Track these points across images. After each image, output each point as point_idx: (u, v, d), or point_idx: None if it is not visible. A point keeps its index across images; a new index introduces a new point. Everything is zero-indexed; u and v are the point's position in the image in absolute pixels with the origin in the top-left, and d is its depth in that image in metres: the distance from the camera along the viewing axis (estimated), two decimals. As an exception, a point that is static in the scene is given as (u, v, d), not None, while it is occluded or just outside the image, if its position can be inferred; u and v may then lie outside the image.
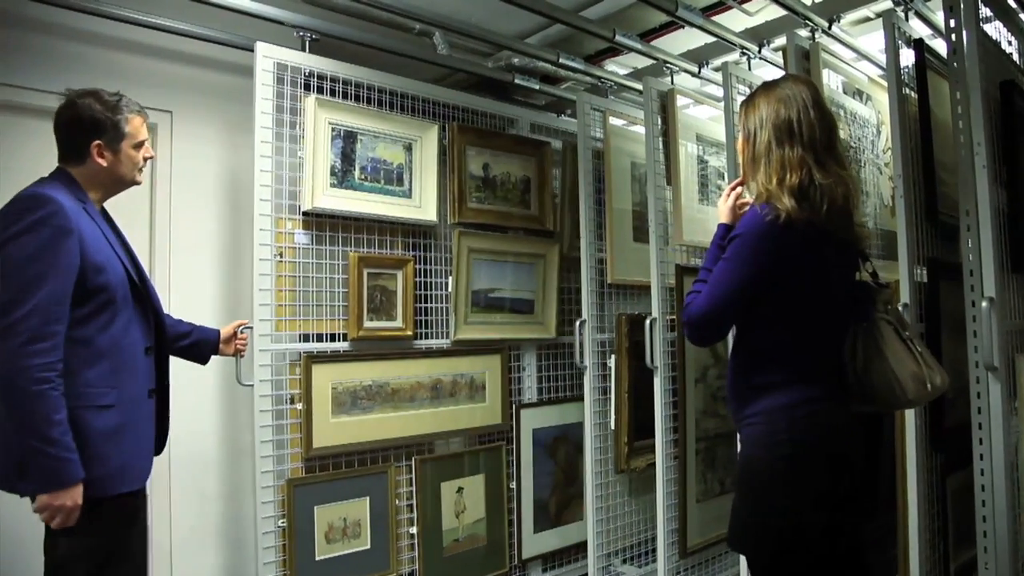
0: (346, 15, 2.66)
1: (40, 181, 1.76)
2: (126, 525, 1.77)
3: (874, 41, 2.70)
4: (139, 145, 1.86)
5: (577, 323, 2.96)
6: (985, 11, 2.05)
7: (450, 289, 2.88)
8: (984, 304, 1.85)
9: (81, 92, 1.81)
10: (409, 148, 2.80)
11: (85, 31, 2.55)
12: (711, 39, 2.85)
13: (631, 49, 2.88)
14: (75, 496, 1.60)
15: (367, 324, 2.64)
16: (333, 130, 2.60)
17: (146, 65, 2.68)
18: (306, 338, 2.55)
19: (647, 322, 2.65)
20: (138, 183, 1.92)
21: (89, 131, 1.77)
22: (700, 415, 2.73)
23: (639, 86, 2.99)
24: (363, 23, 2.71)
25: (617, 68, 3.38)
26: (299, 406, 2.48)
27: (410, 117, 2.81)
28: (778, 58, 2.80)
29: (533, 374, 3.20)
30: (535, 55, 3.03)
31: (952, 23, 1.97)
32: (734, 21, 2.85)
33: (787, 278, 1.58)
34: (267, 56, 2.48)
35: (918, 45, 2.24)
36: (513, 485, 3.06)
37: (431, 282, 2.88)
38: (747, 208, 1.71)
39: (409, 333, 2.73)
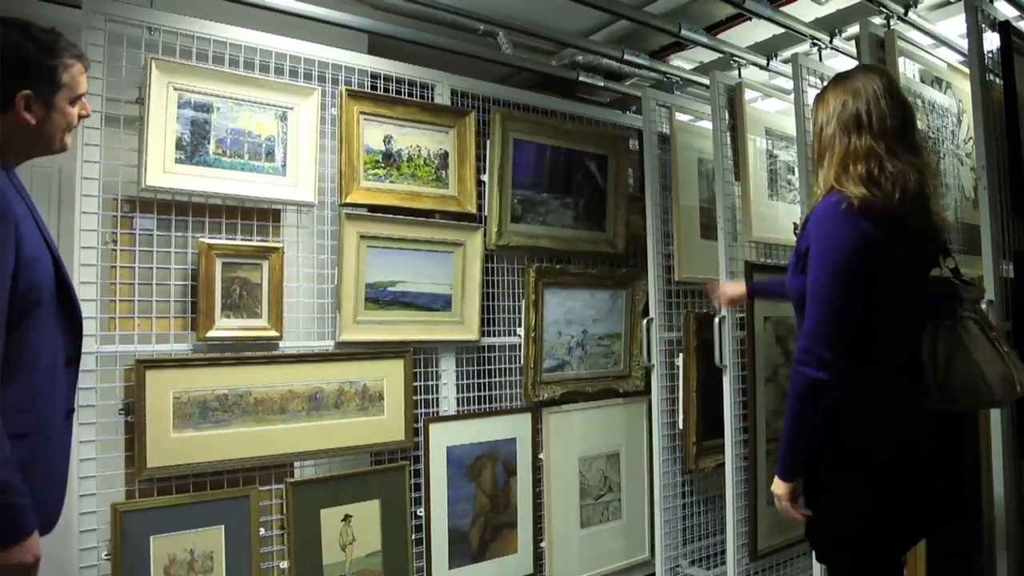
0: (410, 17, 2.67)
1: None
2: None
3: (954, 26, 2.61)
4: (75, 100, 1.49)
5: (644, 321, 2.96)
6: (1081, -13, 2.09)
7: (334, 282, 2.47)
8: (1075, 300, 1.81)
9: (4, 22, 1.41)
10: (284, 118, 2.39)
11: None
12: (780, 30, 2.80)
13: (697, 43, 2.87)
14: (35, 549, 1.32)
15: (221, 323, 2.25)
16: (180, 97, 2.22)
17: None
18: (146, 339, 2.18)
19: (716, 320, 2.58)
20: (65, 149, 1.54)
21: (15, 77, 1.38)
22: (771, 415, 2.61)
23: (706, 80, 2.95)
24: (427, 25, 2.72)
25: (683, 63, 3.35)
26: (130, 418, 2.12)
27: (286, 81, 2.41)
28: (851, 48, 2.71)
29: (451, 382, 2.74)
30: (599, 52, 3.04)
31: (1043, 1, 2.03)
32: (804, 11, 2.78)
33: (864, 272, 1.52)
34: (97, 11, 2.13)
35: (1003, 27, 2.16)
36: (421, 512, 2.61)
37: (313, 274, 2.46)
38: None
39: (276, 333, 2.33)
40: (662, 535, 2.90)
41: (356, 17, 2.57)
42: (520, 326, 2.89)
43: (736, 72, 2.92)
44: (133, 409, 2.12)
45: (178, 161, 2.21)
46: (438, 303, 2.67)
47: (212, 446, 2.22)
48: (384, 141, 2.58)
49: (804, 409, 1.55)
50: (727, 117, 2.70)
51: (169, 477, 2.18)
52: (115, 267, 2.15)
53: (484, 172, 2.81)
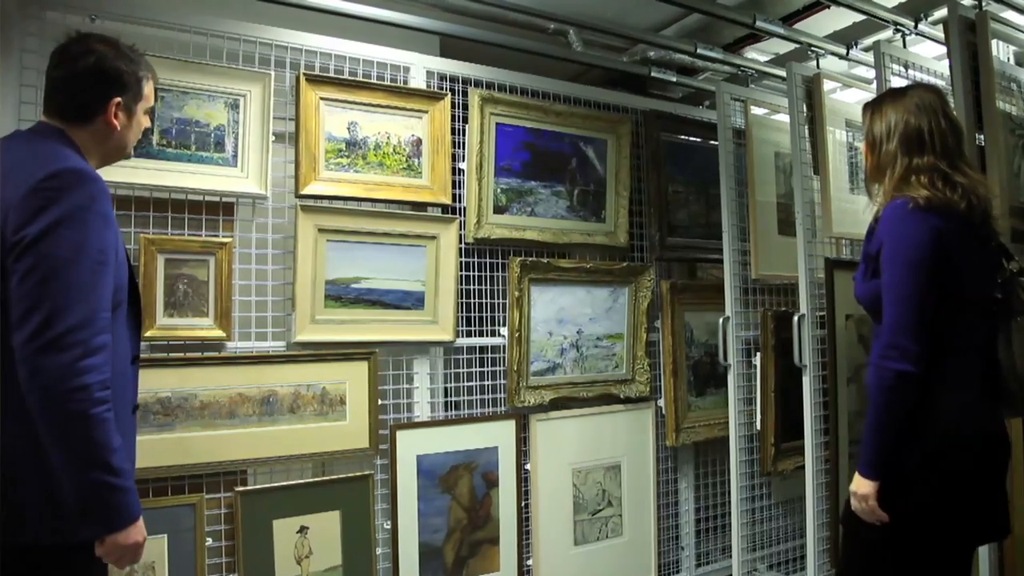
0: (481, 19, 2.68)
1: (52, 145, 1.41)
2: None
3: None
4: (147, 112, 1.60)
5: (720, 320, 2.85)
6: None
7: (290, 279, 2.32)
8: None
9: (96, 37, 1.51)
10: (235, 106, 2.26)
11: None
12: (860, 17, 2.72)
13: (773, 34, 2.81)
14: (143, 530, 1.40)
15: (164, 322, 2.15)
16: (121, 85, 2.12)
17: None
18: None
19: (795, 319, 2.50)
20: (131, 156, 1.66)
21: (110, 85, 1.48)
22: (853, 416, 2.49)
23: (782, 72, 2.82)
24: (498, 26, 2.72)
25: (758, 55, 3.29)
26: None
27: (237, 67, 2.27)
28: (938, 32, 2.58)
29: (424, 386, 2.55)
30: (672, 47, 2.99)
31: None
32: (886, -5, 2.69)
33: (939, 266, 1.53)
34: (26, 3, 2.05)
35: (1110, 1, 2.12)
36: (388, 525, 2.44)
37: (269, 270, 2.33)
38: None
39: (222, 333, 2.20)
40: (739, 538, 2.82)
41: (425, 19, 2.58)
42: (504, 326, 2.67)
43: (814, 63, 2.82)
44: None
45: (118, 153, 2.11)
46: (408, 301, 2.49)
47: (154, 451, 2.11)
48: (348, 128, 2.42)
49: (892, 402, 1.53)
50: (805, 109, 2.59)
51: (108, 483, 2.09)
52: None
53: (463, 160, 2.60)
